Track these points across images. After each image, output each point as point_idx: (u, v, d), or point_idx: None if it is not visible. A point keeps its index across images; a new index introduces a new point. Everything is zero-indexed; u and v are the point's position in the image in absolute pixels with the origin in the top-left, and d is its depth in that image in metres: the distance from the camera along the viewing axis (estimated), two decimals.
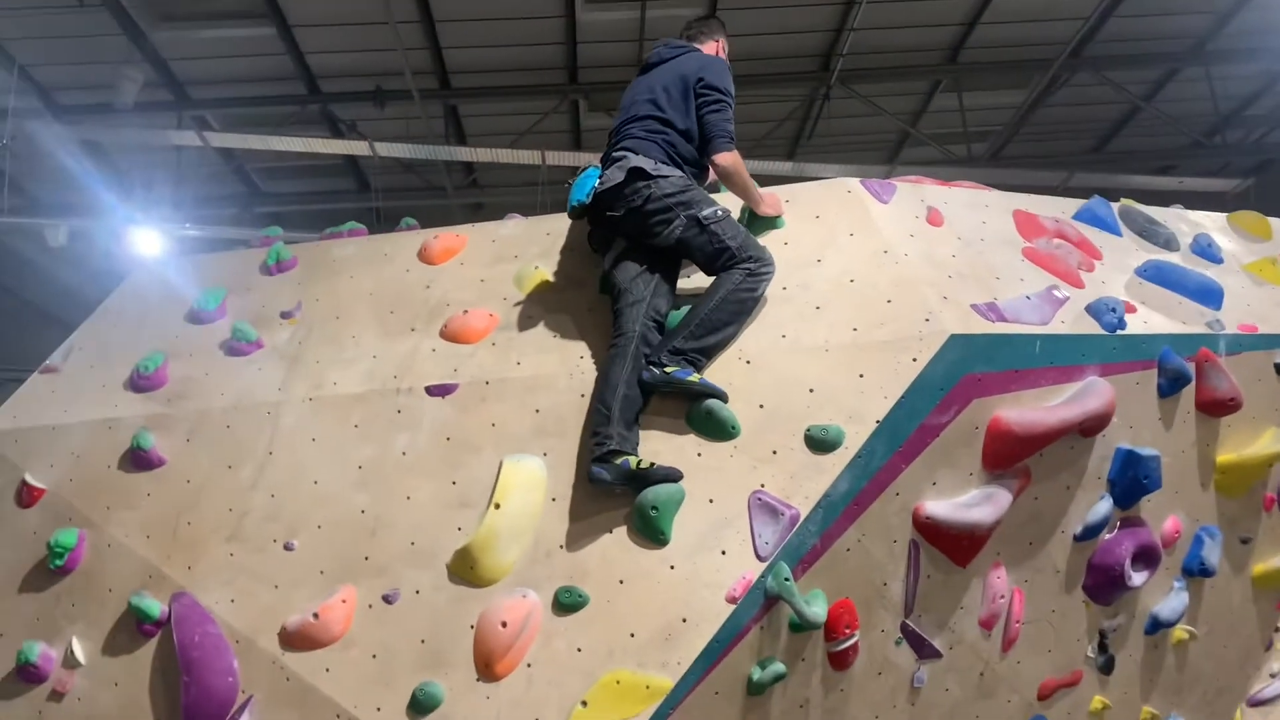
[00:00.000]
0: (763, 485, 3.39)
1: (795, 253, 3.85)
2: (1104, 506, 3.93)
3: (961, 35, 12.16)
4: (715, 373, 3.62)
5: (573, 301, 3.95)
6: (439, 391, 3.81)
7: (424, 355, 3.93)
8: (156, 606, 3.67)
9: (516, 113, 12.64)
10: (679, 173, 3.89)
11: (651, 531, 3.37)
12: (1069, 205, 4.52)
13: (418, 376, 3.87)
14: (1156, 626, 4.28)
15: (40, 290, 13.79)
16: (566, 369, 3.75)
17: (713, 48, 4.48)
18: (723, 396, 3.54)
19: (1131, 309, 4.02)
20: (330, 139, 12.66)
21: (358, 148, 12.24)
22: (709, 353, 3.63)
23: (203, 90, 12.30)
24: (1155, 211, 4.79)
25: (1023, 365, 3.65)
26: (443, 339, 3.96)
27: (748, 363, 3.62)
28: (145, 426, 3.98)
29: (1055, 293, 3.88)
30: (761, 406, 3.53)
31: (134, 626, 3.71)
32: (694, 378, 3.53)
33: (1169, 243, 4.55)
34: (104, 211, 11.73)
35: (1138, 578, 4.05)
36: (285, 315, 4.22)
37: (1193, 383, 4.09)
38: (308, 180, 14.52)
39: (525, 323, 3.93)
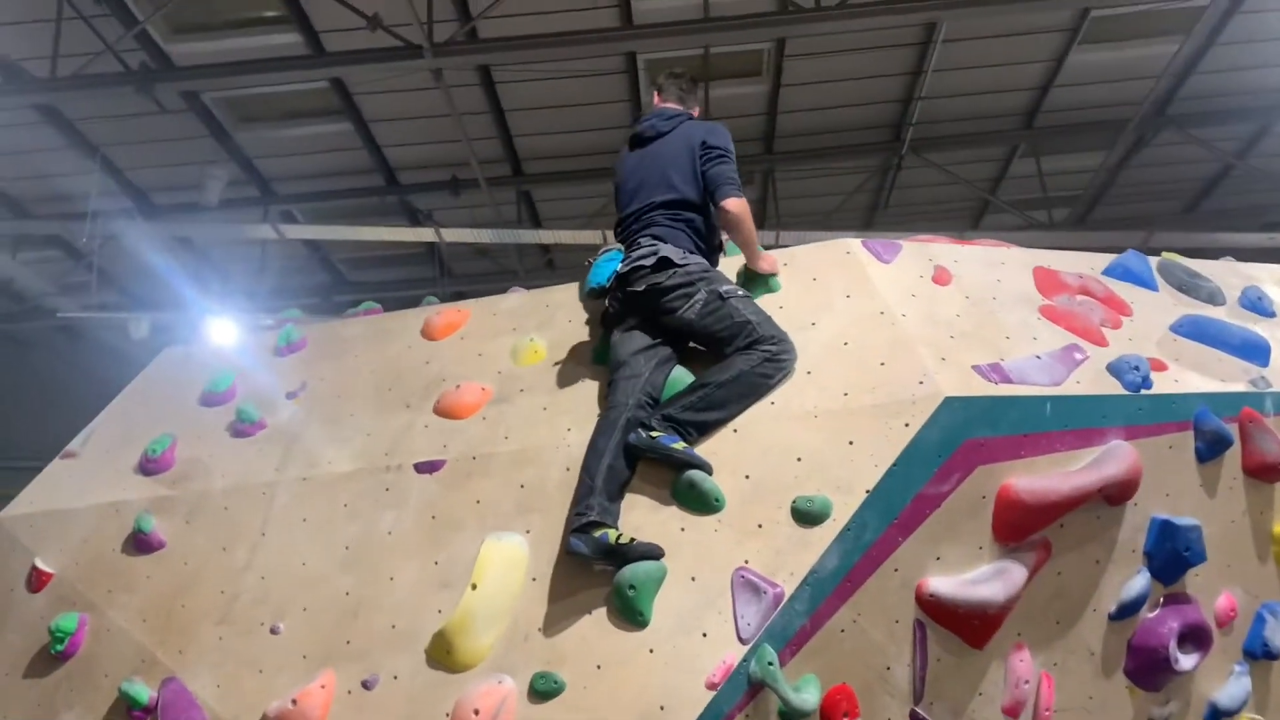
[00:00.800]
0: (747, 562, 3.21)
1: (790, 316, 3.70)
2: (1140, 582, 3.62)
3: (1036, 99, 11.91)
4: (705, 442, 3.46)
5: (566, 374, 3.86)
6: (427, 468, 3.74)
7: (416, 431, 3.87)
8: (145, 693, 3.63)
9: (587, 195, 12.77)
10: (704, 260, 3.88)
11: (630, 612, 3.21)
12: (1099, 261, 4.27)
13: (408, 453, 3.81)
14: (1217, 715, 3.90)
15: (123, 380, 14.31)
16: (553, 442, 3.64)
17: (698, 110, 4.51)
18: (706, 468, 3.39)
19: (1162, 367, 3.74)
20: (408, 227, 12.98)
21: (429, 235, 12.51)
22: (704, 428, 3.49)
23: (287, 185, 12.76)
24: (1203, 265, 4.51)
25: (1032, 429, 3.40)
26: (436, 415, 3.91)
27: (735, 431, 3.47)
28: (148, 509, 4.00)
29: (1074, 352, 3.63)
30: (748, 477, 3.36)
31: (125, 713, 3.67)
32: (679, 445, 3.39)
33: (1213, 297, 4.25)
34: (189, 304, 12.19)
35: (1186, 661, 3.71)
36: (290, 395, 4.23)
37: (1236, 445, 3.76)
38: (391, 269, 14.87)
39: (517, 396, 3.85)
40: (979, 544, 3.37)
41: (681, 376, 3.61)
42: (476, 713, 3.17)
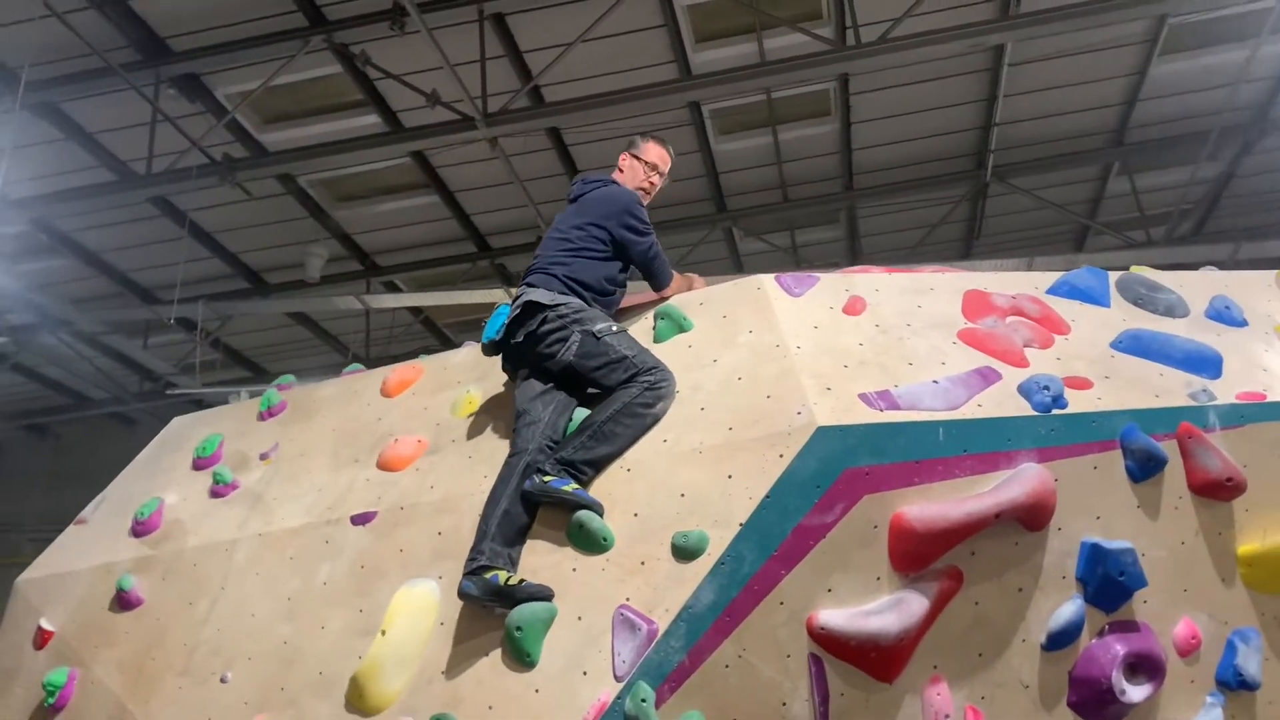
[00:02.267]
0: (628, 599, 3.25)
1: (696, 354, 3.75)
2: (1069, 609, 3.47)
3: (1124, 115, 11.51)
4: (598, 482, 3.53)
5: (496, 424, 3.99)
6: (360, 520, 3.92)
7: (358, 485, 4.07)
8: None
9: (671, 246, 12.92)
10: (578, 300, 3.93)
11: (519, 653, 3.29)
12: (1045, 280, 4.15)
13: (348, 506, 4.00)
14: None
15: None
16: (471, 490, 3.77)
17: (628, 163, 4.48)
18: (596, 508, 3.45)
19: (1085, 385, 3.61)
20: (502, 289, 13.42)
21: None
22: (598, 465, 3.57)
23: (386, 257, 13.41)
24: (1177, 276, 4.31)
25: (924, 455, 3.33)
26: (377, 468, 4.09)
27: (628, 470, 3.52)
28: (131, 569, 4.31)
29: (984, 375, 3.54)
30: (636, 515, 3.41)
31: None
32: (569, 488, 3.46)
33: (1171, 309, 4.07)
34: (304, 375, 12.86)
35: (1136, 692, 3.52)
36: (263, 456, 4.50)
37: (1177, 463, 3.58)
38: None
39: (449, 447, 4.00)
40: (875, 574, 3.31)
41: (581, 418, 3.70)
42: None
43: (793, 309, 3.74)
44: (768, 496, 3.22)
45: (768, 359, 3.56)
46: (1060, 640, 3.49)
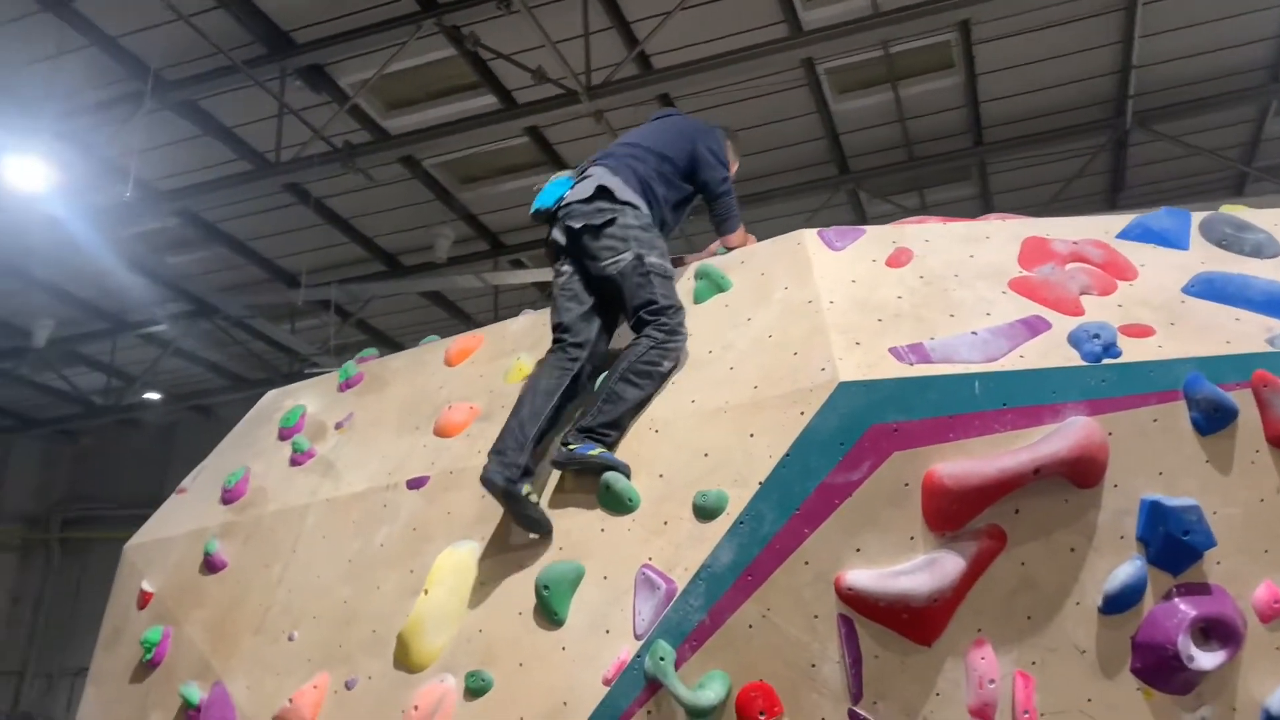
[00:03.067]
0: (650, 559, 3.24)
1: (732, 314, 3.68)
2: (1126, 570, 3.26)
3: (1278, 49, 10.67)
4: (627, 443, 3.52)
5: None
6: (415, 484, 4.02)
7: (416, 451, 4.17)
8: (197, 694, 4.13)
9: (791, 213, 12.72)
10: (645, 209, 3.91)
11: (547, 612, 3.33)
12: (1117, 223, 3.90)
13: (405, 472, 4.10)
14: None
15: None
16: None
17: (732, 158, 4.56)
18: (622, 469, 3.44)
19: (1146, 332, 3.37)
20: None
21: None
22: (618, 425, 3.56)
23: (512, 236, 13.65)
24: (1273, 214, 3.99)
25: (959, 410, 3.18)
26: (433, 435, 4.18)
27: (656, 431, 3.50)
28: (217, 534, 4.54)
29: (1032, 324, 3.36)
30: (661, 476, 3.39)
31: (184, 714, 4.19)
32: (595, 452, 3.47)
33: (1259, 249, 3.76)
34: None
35: (1206, 658, 3.29)
36: (338, 426, 4.66)
37: (1252, 414, 3.31)
38: None
39: (499, 413, 4.04)
40: (908, 534, 3.19)
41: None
42: (416, 709, 3.39)
43: (832, 263, 3.63)
44: (788, 454, 3.14)
45: (799, 316, 3.46)
46: (1119, 603, 3.28)
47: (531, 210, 4.03)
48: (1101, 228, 3.85)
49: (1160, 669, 3.32)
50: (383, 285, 13.22)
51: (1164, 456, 3.29)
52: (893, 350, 3.26)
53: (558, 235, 3.94)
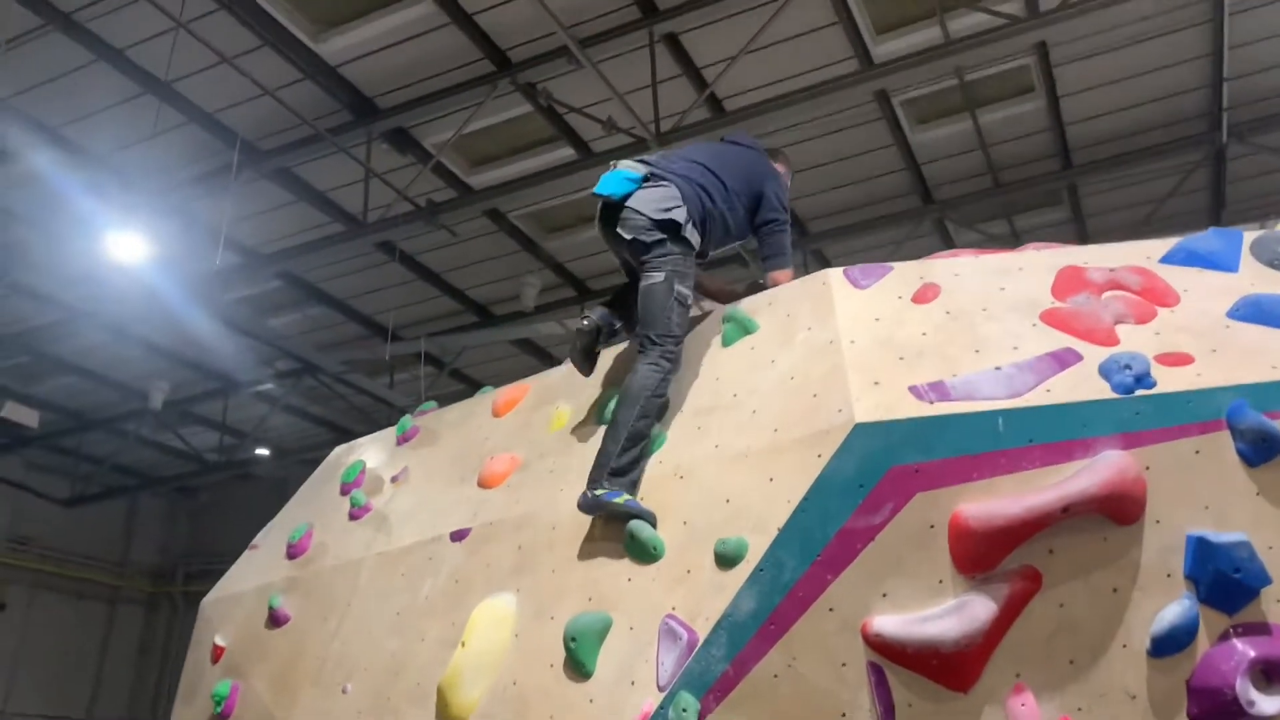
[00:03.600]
0: (674, 608, 3.22)
1: (755, 357, 3.66)
2: (1175, 611, 3.11)
3: None
4: (652, 491, 3.51)
5: (580, 437, 4.05)
6: (458, 536, 4.08)
7: (460, 503, 4.23)
8: None
9: (878, 245, 12.58)
10: (691, 243, 4.07)
11: (576, 664, 3.33)
12: (1160, 248, 3.76)
13: (449, 524, 4.17)
14: None
15: None
16: (548, 503, 3.84)
17: (781, 167, 4.65)
18: (648, 517, 3.44)
19: (1185, 360, 3.23)
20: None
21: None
22: (640, 461, 3.64)
23: (597, 281, 13.81)
24: None
25: (982, 448, 3.09)
26: (477, 486, 4.24)
27: (680, 478, 3.48)
28: (281, 589, 4.68)
29: (1062, 357, 3.25)
30: (685, 523, 3.37)
31: None
32: (621, 499, 3.47)
33: None
34: None
35: (1268, 703, 3.10)
36: (393, 479, 4.77)
37: None
38: None
39: (537, 462, 4.10)
40: (937, 578, 3.11)
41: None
42: None
43: (856, 302, 3.58)
44: (805, 499, 3.09)
45: (821, 356, 3.42)
46: (1169, 645, 3.13)
47: (595, 191, 4.15)
48: (1143, 253, 3.72)
49: (1219, 714, 3.14)
50: (472, 335, 13.49)
51: (1210, 490, 3.14)
52: (913, 389, 3.19)
53: (619, 229, 4.11)
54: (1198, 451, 3.13)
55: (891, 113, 10.84)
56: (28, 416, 13.62)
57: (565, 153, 11.36)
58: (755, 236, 4.40)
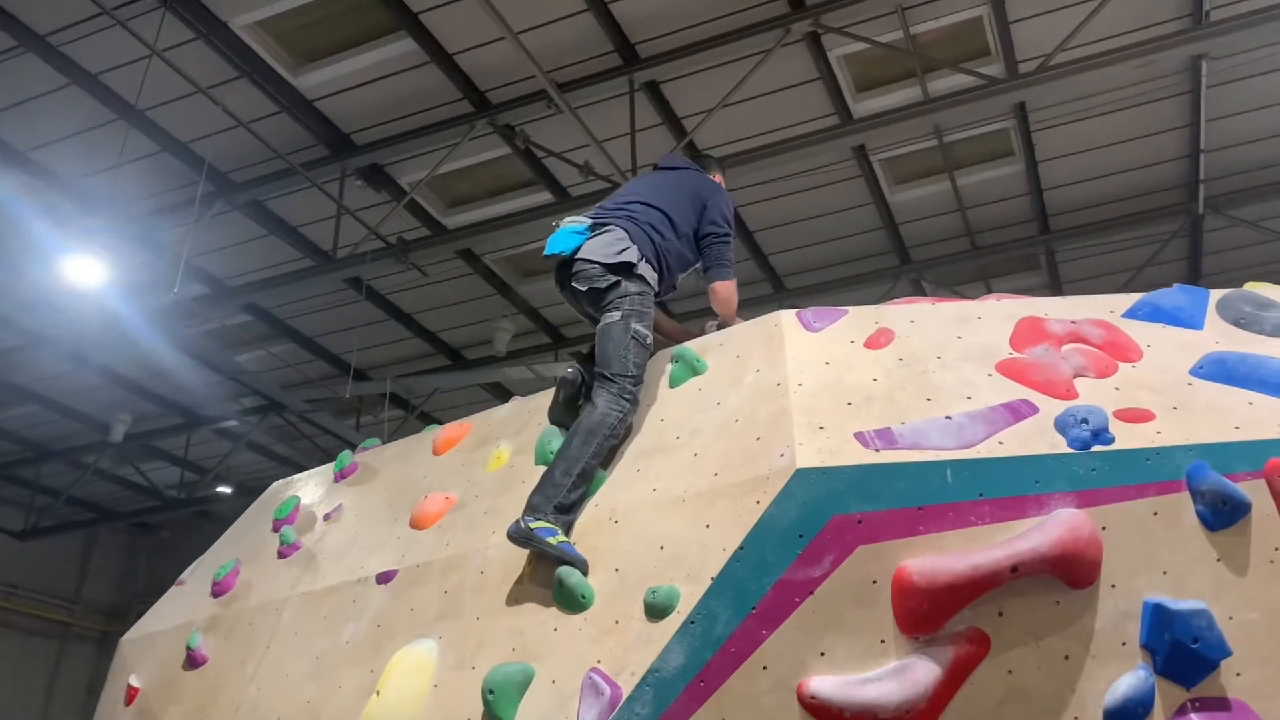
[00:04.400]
0: (599, 661, 3.01)
1: (702, 398, 3.49)
2: (1129, 682, 2.93)
3: None
4: (585, 534, 3.32)
5: (512, 477, 3.87)
6: (384, 578, 3.87)
7: (389, 544, 4.03)
8: None
9: (855, 302, 12.42)
10: (648, 278, 4.02)
11: (493, 718, 3.11)
12: (1124, 302, 3.63)
13: (376, 565, 3.96)
14: None
15: None
16: (478, 546, 3.65)
17: (717, 178, 4.63)
18: (579, 564, 3.25)
19: (1143, 417, 3.09)
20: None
21: None
22: (581, 503, 3.51)
23: (572, 329, 13.66)
24: None
25: (930, 500, 2.93)
26: (408, 526, 4.04)
27: (615, 522, 3.30)
28: (201, 628, 4.44)
29: (1017, 409, 3.10)
30: (617, 570, 3.18)
31: None
32: (555, 540, 3.29)
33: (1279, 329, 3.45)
34: None
35: None
36: (326, 517, 4.56)
37: (1268, 508, 2.99)
38: None
39: (472, 503, 3.90)
40: (879, 637, 2.92)
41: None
42: None
43: (807, 345, 3.43)
44: (741, 548, 2.91)
45: (767, 399, 3.26)
46: (1124, 717, 2.94)
47: (545, 253, 4.13)
48: (1107, 307, 3.59)
49: None
50: (442, 378, 13.31)
51: (1168, 554, 2.98)
52: (858, 435, 3.03)
53: (574, 283, 4.07)
54: (1156, 513, 2.97)
55: (870, 171, 10.82)
56: None
57: (543, 196, 11.28)
58: (698, 251, 4.31)
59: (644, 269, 3.98)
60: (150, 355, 11.92)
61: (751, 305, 12.15)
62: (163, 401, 14.56)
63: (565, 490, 3.47)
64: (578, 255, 4.00)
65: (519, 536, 3.34)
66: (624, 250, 3.97)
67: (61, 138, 10.32)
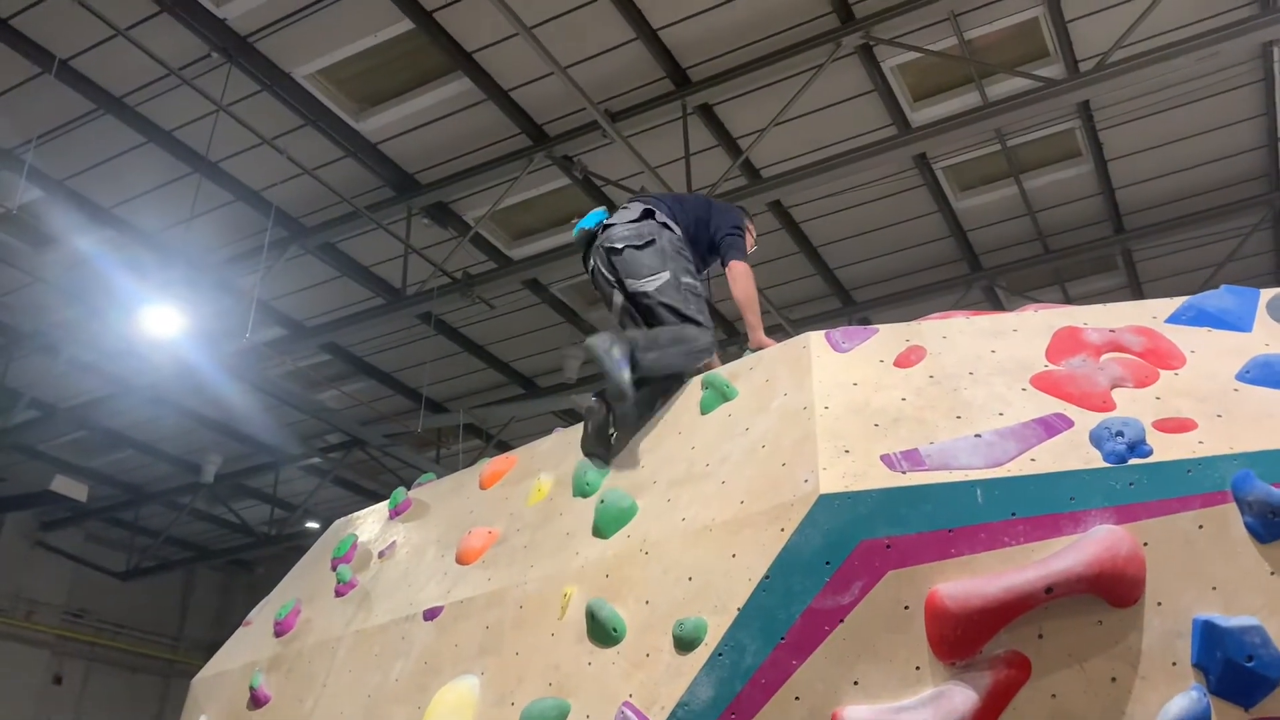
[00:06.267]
0: (631, 695, 2.99)
1: (731, 424, 3.46)
2: (1181, 704, 2.81)
3: None
4: (618, 567, 3.31)
5: (552, 511, 3.87)
6: (430, 615, 3.90)
7: (436, 579, 4.07)
8: None
9: (928, 313, 12.23)
10: (675, 231, 4.24)
11: None
12: (1167, 307, 3.51)
13: (424, 601, 4.00)
14: None
15: None
16: (517, 581, 3.66)
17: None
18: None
19: (1185, 426, 2.97)
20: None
21: None
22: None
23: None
24: None
25: (960, 522, 2.85)
26: (454, 561, 4.08)
27: (645, 553, 3.28)
28: (263, 668, 4.53)
29: (1044, 424, 3.01)
30: (647, 602, 3.16)
31: None
32: (625, 373, 3.61)
33: None
34: None
35: None
36: (381, 554, 4.62)
37: None
38: None
39: (514, 537, 3.92)
40: (913, 664, 2.85)
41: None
42: None
43: (835, 366, 3.38)
44: (767, 577, 2.87)
45: (793, 423, 3.21)
46: None
47: (574, 231, 4.39)
48: (1149, 313, 3.47)
49: None
50: (516, 407, 13.43)
51: (1216, 569, 2.85)
52: (884, 458, 2.97)
53: (598, 261, 4.28)
54: (1201, 526, 2.85)
55: (934, 179, 10.66)
56: (76, 490, 13.80)
57: None
58: (717, 253, 4.45)
59: (667, 219, 4.21)
60: (232, 398, 12.27)
61: (821, 320, 12.07)
62: (250, 442, 14.95)
63: (642, 348, 3.78)
64: (606, 223, 4.23)
65: (593, 346, 3.70)
66: (646, 208, 4.22)
67: (140, 193, 10.72)
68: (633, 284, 4.07)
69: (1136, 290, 11.95)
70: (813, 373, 3.35)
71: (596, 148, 10.09)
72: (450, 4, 8.66)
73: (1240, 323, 3.39)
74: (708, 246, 4.39)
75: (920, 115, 9.80)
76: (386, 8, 8.62)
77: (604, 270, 4.22)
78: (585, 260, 4.42)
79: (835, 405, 3.19)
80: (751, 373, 3.64)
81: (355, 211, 10.62)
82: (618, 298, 4.19)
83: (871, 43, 8.77)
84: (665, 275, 3.99)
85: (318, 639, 4.40)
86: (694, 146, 9.68)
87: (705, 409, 3.66)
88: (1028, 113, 8.71)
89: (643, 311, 4.09)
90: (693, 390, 3.78)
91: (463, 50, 9.15)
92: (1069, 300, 12.28)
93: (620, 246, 4.09)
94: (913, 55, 9.01)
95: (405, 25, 8.83)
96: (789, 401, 3.32)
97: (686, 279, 4.01)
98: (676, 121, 9.71)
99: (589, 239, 4.32)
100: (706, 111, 9.85)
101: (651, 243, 4.05)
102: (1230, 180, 10.56)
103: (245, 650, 4.84)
